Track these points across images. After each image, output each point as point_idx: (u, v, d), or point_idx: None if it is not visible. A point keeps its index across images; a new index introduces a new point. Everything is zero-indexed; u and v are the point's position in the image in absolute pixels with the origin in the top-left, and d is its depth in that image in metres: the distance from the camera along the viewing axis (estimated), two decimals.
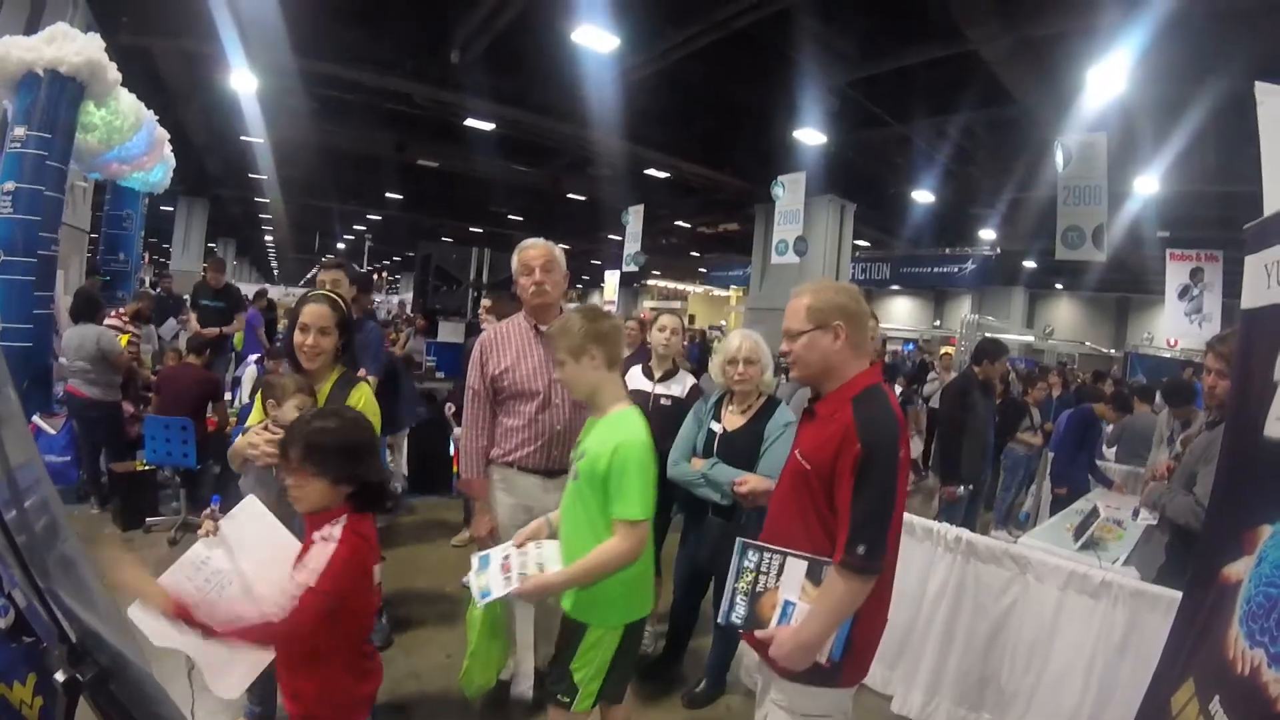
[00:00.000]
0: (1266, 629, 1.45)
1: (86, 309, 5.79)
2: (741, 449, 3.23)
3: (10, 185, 6.11)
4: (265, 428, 2.45)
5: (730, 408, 3.38)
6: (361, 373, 3.00)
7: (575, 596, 2.28)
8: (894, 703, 3.67)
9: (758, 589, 2.02)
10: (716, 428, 3.33)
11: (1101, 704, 2.94)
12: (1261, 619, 1.48)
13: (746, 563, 2.03)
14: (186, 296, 9.56)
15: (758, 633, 1.99)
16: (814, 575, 1.97)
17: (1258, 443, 1.71)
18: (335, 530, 1.88)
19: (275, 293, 17.69)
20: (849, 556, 1.87)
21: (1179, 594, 2.21)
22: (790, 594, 1.98)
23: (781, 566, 2.00)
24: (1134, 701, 2.08)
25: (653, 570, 2.46)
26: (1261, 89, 2.15)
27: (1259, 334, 1.85)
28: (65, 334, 6.00)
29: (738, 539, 2.10)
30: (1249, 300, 1.92)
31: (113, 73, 6.83)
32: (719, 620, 2.11)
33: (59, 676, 1.13)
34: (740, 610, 2.03)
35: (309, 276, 41.14)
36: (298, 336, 2.61)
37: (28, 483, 1.14)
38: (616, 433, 2.22)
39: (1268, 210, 2.02)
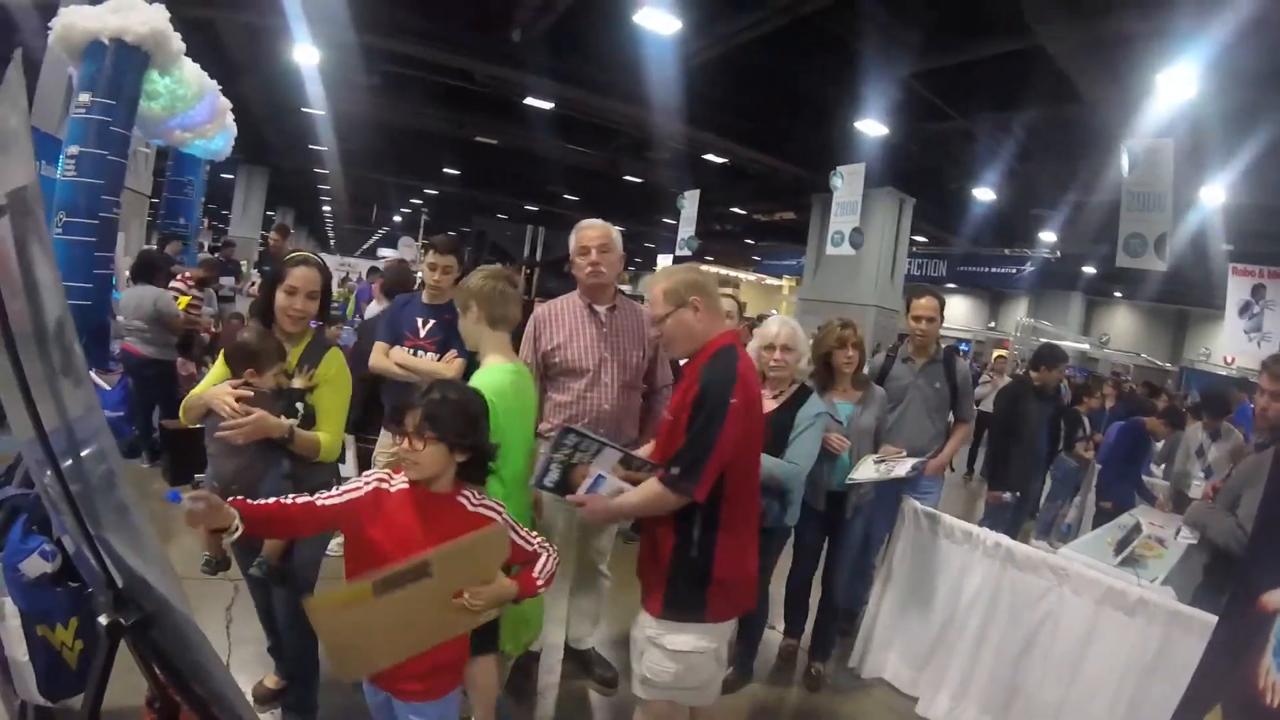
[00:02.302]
0: None
1: (146, 271, 5.95)
2: (771, 434, 3.19)
3: (74, 150, 6.36)
4: (237, 389, 2.44)
5: (762, 392, 3.36)
6: (334, 332, 3.02)
7: None
8: (920, 705, 3.66)
9: (573, 462, 2.33)
10: None
11: None
12: None
13: (566, 442, 2.30)
14: (244, 262, 9.79)
15: (570, 496, 2.34)
16: (626, 463, 2.36)
17: None
18: (484, 501, 1.99)
19: (332, 262, 18.07)
20: (665, 472, 2.19)
21: (1214, 618, 2.16)
22: (602, 470, 2.32)
23: (598, 451, 2.32)
24: None
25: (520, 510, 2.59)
26: None
27: None
28: (124, 294, 6.20)
29: (562, 425, 2.46)
30: None
31: (176, 43, 7.02)
32: (531, 484, 2.44)
33: (102, 620, 1.17)
34: (553, 476, 2.34)
35: (365, 246, 41.91)
36: (284, 299, 2.56)
37: (87, 434, 1.19)
38: (475, 381, 2.44)
39: None
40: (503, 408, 2.34)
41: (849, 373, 3.69)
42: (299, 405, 2.53)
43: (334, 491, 1.91)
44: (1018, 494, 5.25)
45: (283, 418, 2.44)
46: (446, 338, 3.49)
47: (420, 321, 3.66)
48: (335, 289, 4.00)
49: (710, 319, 2.34)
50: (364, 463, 4.24)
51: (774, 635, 4.14)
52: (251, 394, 2.44)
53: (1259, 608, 1.69)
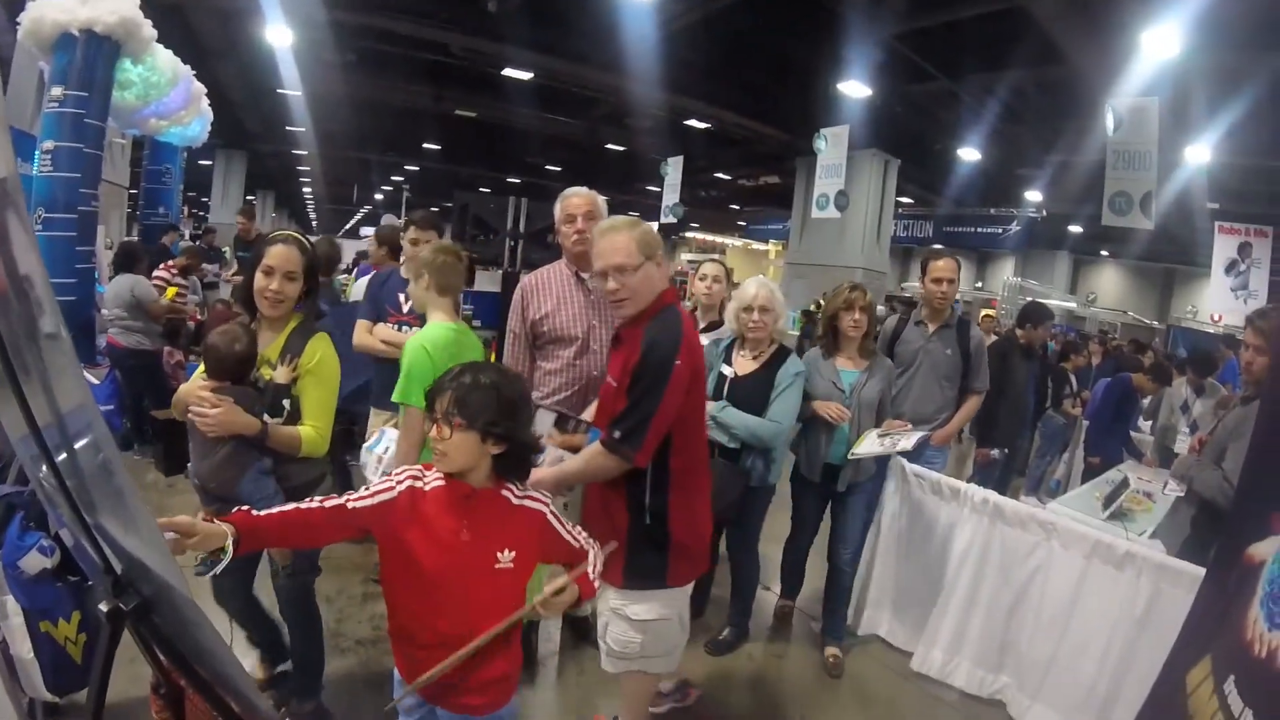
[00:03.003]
0: None
1: (126, 260, 5.89)
2: (751, 394, 3.30)
3: (50, 144, 6.26)
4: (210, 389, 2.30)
5: (742, 353, 3.43)
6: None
7: None
8: (914, 660, 3.72)
9: None
10: (728, 372, 3.39)
11: (1120, 675, 2.95)
12: None
13: None
14: (226, 249, 9.69)
15: None
16: (561, 425, 2.46)
17: None
18: (529, 494, 1.86)
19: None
20: (607, 435, 2.19)
21: (1202, 570, 2.20)
22: (539, 431, 2.34)
23: (532, 415, 2.27)
24: (1151, 675, 2.08)
25: None
26: None
27: None
28: (107, 286, 6.14)
29: None
30: None
31: (148, 30, 6.87)
32: None
33: (103, 606, 1.17)
34: None
35: (348, 226, 41.47)
36: (261, 280, 2.40)
37: (79, 426, 1.18)
38: (419, 335, 2.73)
39: None
40: (441, 359, 2.56)
41: (855, 338, 3.53)
42: (284, 403, 2.40)
43: (364, 492, 1.75)
44: (1005, 451, 5.31)
45: (266, 416, 2.33)
46: None
47: (402, 297, 3.67)
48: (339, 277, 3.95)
49: (663, 276, 2.31)
50: (344, 445, 4.22)
51: (768, 596, 4.20)
52: (227, 385, 2.32)
53: (1246, 559, 1.72)
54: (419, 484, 1.77)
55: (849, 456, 3.44)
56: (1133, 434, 6.54)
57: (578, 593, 1.83)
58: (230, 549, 1.56)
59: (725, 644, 3.71)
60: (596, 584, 1.91)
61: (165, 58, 7.69)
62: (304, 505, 1.71)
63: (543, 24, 10.89)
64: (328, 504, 1.71)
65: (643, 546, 2.25)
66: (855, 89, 11.69)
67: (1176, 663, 1.94)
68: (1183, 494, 3.84)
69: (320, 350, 2.48)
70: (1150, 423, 7.10)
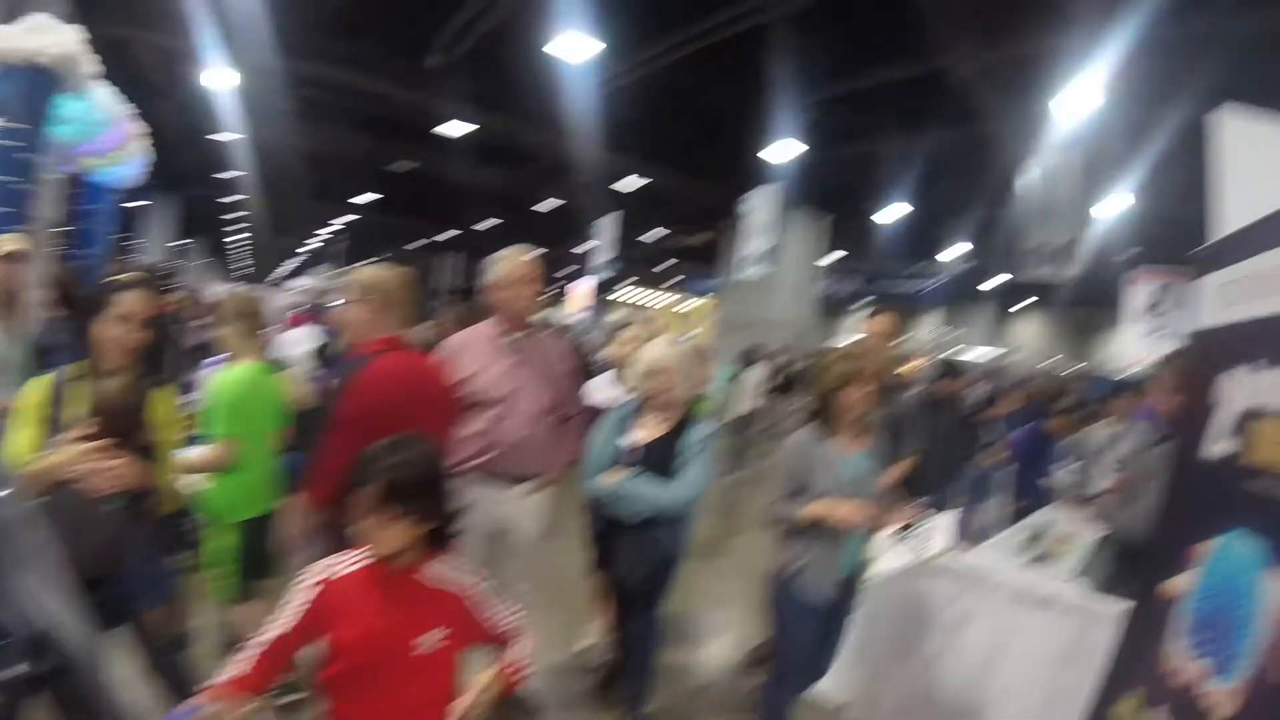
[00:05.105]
0: (1208, 640, 1.50)
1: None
2: (658, 460, 3.03)
3: None
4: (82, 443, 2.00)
5: (648, 418, 3.15)
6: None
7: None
8: (841, 714, 3.65)
9: None
10: (633, 438, 3.12)
11: (1049, 716, 2.98)
12: (1204, 631, 1.54)
13: None
14: None
15: None
16: None
17: (1201, 460, 1.76)
18: (460, 569, 1.79)
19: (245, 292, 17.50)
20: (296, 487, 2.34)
21: (1123, 606, 2.26)
22: None
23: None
24: (1078, 713, 2.12)
25: (266, 477, 2.96)
26: (1224, 113, 2.23)
27: (1205, 355, 1.90)
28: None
29: None
30: (1199, 321, 1.97)
31: (90, 65, 6.73)
32: None
33: (12, 671, 1.12)
34: None
35: (279, 276, 40.55)
36: (113, 328, 2.24)
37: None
38: (225, 376, 2.97)
39: (1220, 233, 2.08)
40: (251, 403, 2.89)
41: (858, 416, 2.86)
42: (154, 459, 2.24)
43: (283, 612, 1.66)
44: (930, 500, 5.42)
45: None
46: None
47: None
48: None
49: (378, 323, 2.45)
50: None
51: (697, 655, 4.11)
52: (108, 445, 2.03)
53: (1166, 594, 1.79)
54: (334, 573, 1.69)
55: (871, 574, 2.84)
56: (1053, 477, 6.74)
57: (506, 685, 1.75)
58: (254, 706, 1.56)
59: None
60: (527, 674, 1.79)
61: (105, 95, 7.51)
62: (244, 655, 1.62)
63: (483, 80, 11.07)
64: (260, 641, 1.63)
65: None
66: (786, 149, 12.11)
67: (1104, 697, 1.99)
68: (1104, 534, 3.96)
69: (170, 404, 2.42)
70: (1072, 465, 7.34)
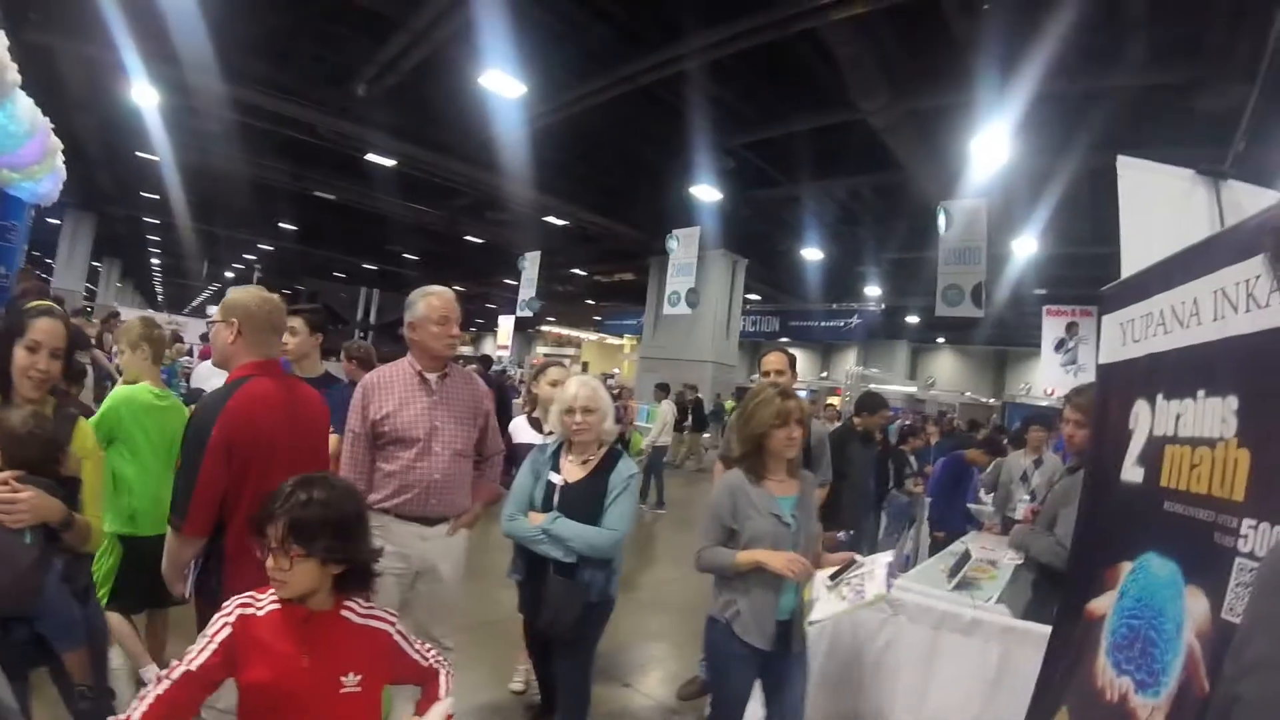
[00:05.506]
0: (1131, 658, 1.56)
1: None
2: (583, 502, 2.98)
3: None
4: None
5: (570, 458, 3.10)
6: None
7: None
8: None
9: None
10: (556, 479, 3.05)
11: None
12: (1126, 649, 1.60)
13: None
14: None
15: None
16: None
17: (1115, 486, 1.86)
18: (378, 610, 1.76)
19: (159, 319, 16.69)
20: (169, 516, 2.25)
21: (1048, 629, 2.35)
22: None
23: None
24: None
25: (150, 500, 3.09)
26: (1123, 163, 2.40)
27: (1115, 387, 2.01)
28: None
29: None
30: (1106, 356, 2.09)
31: (12, 74, 6.33)
32: None
33: None
34: None
35: (195, 304, 39.03)
36: (25, 358, 2.13)
37: None
38: (119, 392, 3.21)
39: (1124, 274, 2.23)
40: (149, 422, 3.17)
41: (790, 457, 2.83)
42: (77, 493, 2.11)
43: (199, 644, 1.59)
44: (851, 532, 5.53)
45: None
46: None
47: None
48: (166, 351, 3.67)
49: (242, 347, 2.38)
50: None
51: (628, 694, 4.07)
52: (20, 475, 1.96)
53: (1087, 615, 1.87)
54: (251, 610, 1.64)
55: (809, 623, 2.71)
56: (971, 505, 6.99)
57: None
58: None
59: None
60: (449, 707, 1.74)
61: (25, 106, 7.07)
62: (157, 689, 1.54)
63: (409, 113, 11.00)
64: (175, 675, 1.55)
65: (204, 605, 2.24)
66: (705, 192, 12.45)
67: (1035, 717, 2.06)
68: (1021, 561, 4.11)
69: (91, 436, 2.30)
70: (992, 494, 7.63)
